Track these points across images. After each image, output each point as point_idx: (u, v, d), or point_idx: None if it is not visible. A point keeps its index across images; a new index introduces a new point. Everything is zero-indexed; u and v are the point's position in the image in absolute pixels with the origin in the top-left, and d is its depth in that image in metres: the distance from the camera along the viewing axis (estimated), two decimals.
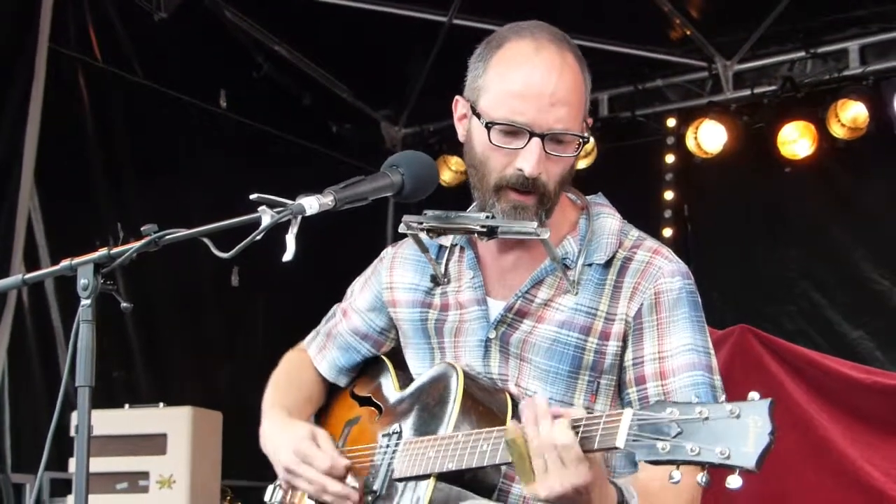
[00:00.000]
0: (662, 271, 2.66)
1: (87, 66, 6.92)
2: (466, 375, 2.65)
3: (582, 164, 8.02)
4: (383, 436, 2.79)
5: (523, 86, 2.58)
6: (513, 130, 2.58)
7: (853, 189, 7.63)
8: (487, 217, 2.57)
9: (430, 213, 2.57)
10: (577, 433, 2.27)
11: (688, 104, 8.10)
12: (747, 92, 7.80)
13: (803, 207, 7.77)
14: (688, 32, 7.65)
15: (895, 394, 6.22)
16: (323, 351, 3.13)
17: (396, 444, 2.72)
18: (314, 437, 2.80)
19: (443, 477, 2.54)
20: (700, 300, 2.71)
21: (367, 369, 3.09)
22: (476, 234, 2.60)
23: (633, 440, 2.15)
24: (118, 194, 6.99)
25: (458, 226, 2.59)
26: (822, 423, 6.33)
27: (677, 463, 2.11)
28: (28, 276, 2.55)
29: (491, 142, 2.60)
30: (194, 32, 7.43)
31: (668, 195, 8.10)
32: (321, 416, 3.13)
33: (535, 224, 2.56)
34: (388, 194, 2.52)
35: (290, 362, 3.21)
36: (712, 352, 2.68)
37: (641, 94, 8.22)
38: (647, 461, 2.15)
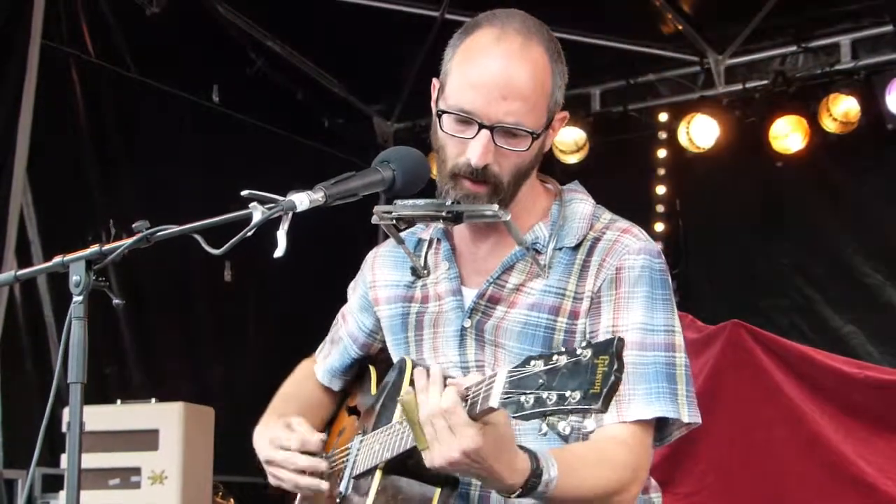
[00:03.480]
0: (629, 248, 2.64)
1: (79, 61, 6.92)
2: (414, 366, 2.65)
3: (573, 158, 8.04)
4: (355, 437, 2.80)
5: (477, 76, 2.56)
6: (464, 119, 2.57)
7: (845, 183, 7.64)
8: (454, 203, 2.57)
9: (399, 202, 2.57)
10: (467, 401, 2.25)
11: (680, 99, 8.11)
12: (739, 86, 7.81)
13: (795, 202, 7.79)
14: (679, 27, 7.67)
15: (887, 388, 6.23)
16: (327, 358, 3.15)
17: (360, 443, 2.73)
18: (289, 424, 2.82)
19: (388, 468, 2.55)
20: (668, 279, 2.68)
21: (357, 379, 3.10)
22: (442, 220, 2.61)
23: (505, 398, 2.13)
24: (110, 189, 6.99)
25: (426, 213, 2.59)
26: (815, 418, 6.34)
27: (542, 414, 2.08)
28: (20, 272, 2.54)
29: (442, 129, 2.60)
30: (187, 27, 7.43)
31: (660, 190, 8.11)
32: (330, 429, 3.13)
33: (497, 206, 2.56)
34: (378, 190, 2.52)
35: (298, 371, 3.22)
36: (675, 329, 2.65)
37: (633, 89, 8.23)
38: (514, 416, 2.13)
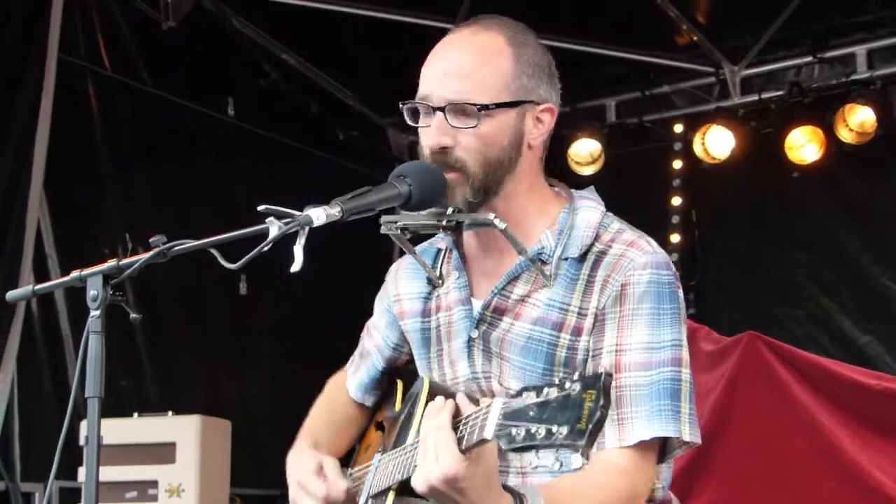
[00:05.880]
0: (634, 263, 2.59)
1: (96, 75, 6.95)
2: (431, 384, 2.66)
3: (589, 170, 8.03)
4: (375, 455, 2.80)
5: (427, 65, 2.66)
6: (424, 111, 2.64)
7: (861, 194, 7.63)
8: (454, 212, 2.59)
9: (404, 212, 2.59)
10: (466, 429, 2.24)
11: (695, 110, 8.11)
12: (755, 97, 7.81)
13: (811, 212, 7.77)
14: (695, 38, 7.66)
15: None
16: (357, 372, 3.14)
17: (379, 462, 2.73)
18: (320, 468, 2.81)
19: (402, 489, 2.54)
20: (677, 290, 2.63)
21: (387, 395, 3.09)
22: (443, 230, 2.64)
23: (499, 430, 2.11)
24: (127, 203, 7.01)
25: (427, 222, 2.62)
26: (832, 429, 6.32)
27: (534, 448, 2.06)
28: (38, 287, 2.55)
29: (409, 123, 2.68)
30: (202, 41, 7.46)
31: (676, 201, 8.11)
32: (360, 444, 3.13)
33: (493, 215, 2.58)
34: (395, 204, 2.51)
35: (329, 388, 3.21)
36: (682, 343, 2.60)
37: (648, 100, 8.23)
38: (506, 449, 2.11)
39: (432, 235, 2.91)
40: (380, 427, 3.00)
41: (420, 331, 2.87)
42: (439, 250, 2.89)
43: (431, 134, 2.60)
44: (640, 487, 2.54)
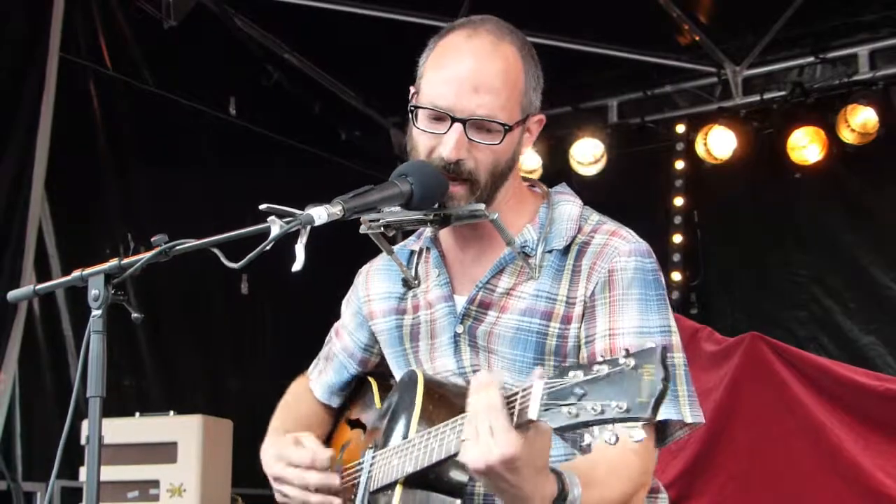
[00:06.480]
0: (619, 251, 2.64)
1: (97, 75, 6.95)
2: (426, 378, 2.64)
3: (591, 170, 8.01)
4: (365, 452, 2.78)
5: (449, 72, 2.60)
6: (437, 115, 2.59)
7: (863, 194, 7.62)
8: (440, 206, 2.58)
9: (387, 209, 2.57)
10: (513, 409, 2.21)
11: (697, 110, 8.11)
12: (757, 97, 7.81)
13: (813, 213, 7.77)
14: (697, 38, 7.66)
15: None
16: (321, 375, 3.15)
17: (374, 458, 2.71)
18: (297, 440, 2.80)
19: (409, 482, 2.53)
20: (661, 277, 2.68)
21: (356, 393, 3.10)
22: (430, 224, 2.63)
23: (545, 409, 2.10)
24: (128, 202, 7.01)
25: (413, 217, 2.60)
26: (834, 430, 6.33)
27: (586, 425, 2.05)
28: (39, 286, 2.55)
29: (416, 125, 2.63)
30: (204, 40, 7.46)
31: (678, 201, 8.10)
32: (329, 445, 3.12)
33: (483, 206, 2.59)
34: (397, 203, 2.51)
35: (291, 393, 3.21)
36: (671, 328, 2.64)
37: (651, 101, 8.23)
38: (557, 428, 2.09)
39: (413, 232, 2.92)
40: (356, 425, 2.99)
41: (394, 328, 2.88)
42: (412, 252, 2.90)
43: (449, 145, 2.57)
44: (649, 466, 2.59)
